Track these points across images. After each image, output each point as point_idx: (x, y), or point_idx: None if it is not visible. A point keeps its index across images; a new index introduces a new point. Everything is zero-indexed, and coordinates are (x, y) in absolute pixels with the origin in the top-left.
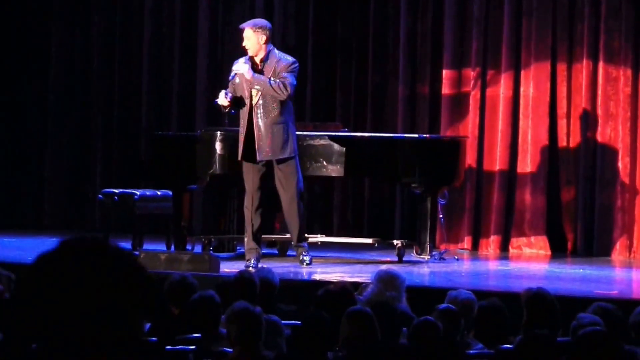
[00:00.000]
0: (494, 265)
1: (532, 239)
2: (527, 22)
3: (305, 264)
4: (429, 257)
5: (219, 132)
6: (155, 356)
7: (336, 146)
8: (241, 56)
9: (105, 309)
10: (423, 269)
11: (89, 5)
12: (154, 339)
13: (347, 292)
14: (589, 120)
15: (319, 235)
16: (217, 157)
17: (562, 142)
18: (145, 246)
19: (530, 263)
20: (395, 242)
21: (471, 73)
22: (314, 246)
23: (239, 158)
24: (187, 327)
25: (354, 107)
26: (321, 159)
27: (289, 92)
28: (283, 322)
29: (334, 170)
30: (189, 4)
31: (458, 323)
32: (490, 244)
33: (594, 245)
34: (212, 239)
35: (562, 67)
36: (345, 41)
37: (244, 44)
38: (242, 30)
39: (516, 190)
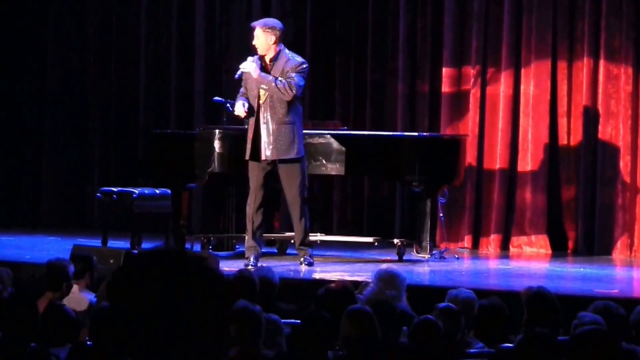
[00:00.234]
0: (494, 264)
1: (533, 237)
2: (527, 20)
3: (304, 265)
4: (429, 255)
5: (217, 131)
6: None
7: (335, 144)
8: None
9: (189, 316)
10: (423, 267)
11: (85, 4)
12: None
13: (347, 291)
14: (589, 118)
15: (318, 234)
16: (215, 156)
17: (562, 140)
18: (144, 245)
19: (530, 262)
20: (395, 240)
21: (471, 71)
22: (314, 245)
23: (246, 157)
24: None
25: (353, 105)
26: (320, 158)
27: (295, 93)
28: (283, 321)
29: (333, 168)
30: (185, 2)
31: (458, 322)
32: (491, 243)
33: (595, 244)
34: (211, 238)
35: (562, 65)
36: (344, 39)
37: (253, 42)
38: (253, 29)
39: (517, 189)
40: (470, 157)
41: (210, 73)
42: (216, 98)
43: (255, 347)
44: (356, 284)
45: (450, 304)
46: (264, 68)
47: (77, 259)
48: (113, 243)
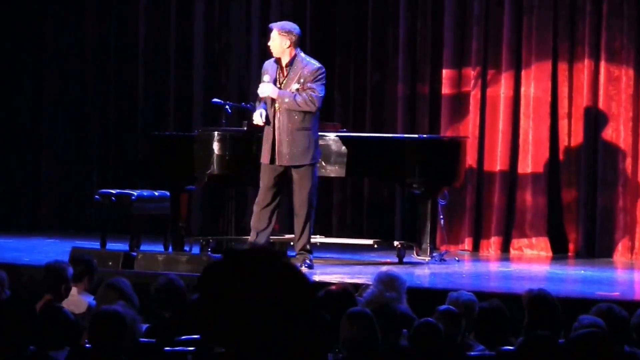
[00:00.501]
0: (495, 267)
1: (533, 240)
2: (527, 21)
3: (304, 268)
4: (429, 258)
5: (216, 132)
6: (153, 358)
7: (335, 146)
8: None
9: (279, 313)
10: (423, 270)
11: (83, 6)
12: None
13: (347, 293)
14: (590, 120)
15: (318, 236)
16: (215, 158)
17: (563, 142)
18: (143, 247)
19: (531, 264)
20: (395, 243)
21: (471, 72)
22: (313, 247)
23: (262, 161)
24: (187, 328)
25: (353, 106)
26: (320, 160)
27: (317, 106)
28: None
29: (333, 170)
30: (184, 3)
31: (459, 324)
32: (491, 245)
33: (596, 246)
34: (211, 240)
35: (563, 67)
36: (343, 40)
37: (269, 44)
38: (270, 30)
39: (517, 191)
40: (470, 159)
41: (209, 74)
42: (215, 100)
43: None
44: (356, 287)
45: (450, 306)
46: (280, 73)
47: (77, 262)
48: (112, 245)
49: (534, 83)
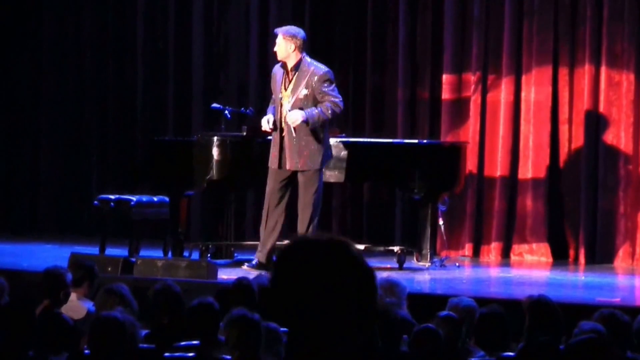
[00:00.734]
0: (495, 272)
1: (534, 245)
2: (528, 25)
3: None
4: (429, 264)
5: (216, 138)
6: None
7: (334, 151)
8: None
9: (347, 301)
10: (424, 275)
11: (80, 10)
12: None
13: None
14: (591, 125)
15: None
16: (214, 163)
17: (563, 147)
18: (142, 253)
19: (531, 270)
20: (395, 248)
21: (472, 77)
22: None
23: (270, 165)
24: (186, 333)
25: (352, 111)
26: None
27: (342, 108)
28: (282, 329)
29: (333, 176)
30: (182, 6)
31: (459, 330)
32: (492, 251)
33: (596, 252)
34: (210, 246)
35: (563, 72)
36: (342, 43)
37: (275, 49)
38: (276, 35)
39: (517, 197)
40: (470, 165)
41: (208, 78)
42: (214, 105)
43: (254, 355)
44: None
45: (450, 312)
46: (285, 77)
47: (77, 267)
48: (111, 251)
49: (535, 88)
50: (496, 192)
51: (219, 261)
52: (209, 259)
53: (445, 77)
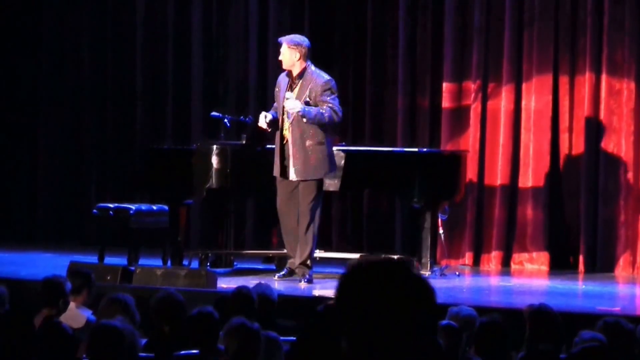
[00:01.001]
0: (495, 281)
1: (534, 254)
2: (528, 34)
3: (303, 282)
4: (429, 272)
5: (215, 146)
6: None
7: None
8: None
9: (407, 323)
10: None
11: (79, 14)
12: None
13: None
14: (591, 133)
15: (317, 251)
16: (213, 171)
17: (564, 156)
18: (141, 261)
19: (532, 279)
20: (395, 257)
21: (472, 86)
22: (313, 261)
23: (274, 174)
24: (186, 342)
25: (352, 119)
26: None
27: (340, 115)
28: (282, 338)
29: (332, 184)
30: (181, 11)
31: (459, 339)
32: (492, 260)
33: (597, 260)
34: (209, 254)
35: (564, 80)
36: (342, 50)
37: (279, 58)
38: (280, 44)
39: (518, 205)
40: (470, 173)
41: (207, 85)
42: (214, 113)
43: None
44: None
45: (451, 321)
46: (290, 84)
47: (75, 276)
48: (110, 259)
49: (535, 96)
50: (496, 200)
51: (218, 270)
52: (208, 267)
53: (445, 86)
